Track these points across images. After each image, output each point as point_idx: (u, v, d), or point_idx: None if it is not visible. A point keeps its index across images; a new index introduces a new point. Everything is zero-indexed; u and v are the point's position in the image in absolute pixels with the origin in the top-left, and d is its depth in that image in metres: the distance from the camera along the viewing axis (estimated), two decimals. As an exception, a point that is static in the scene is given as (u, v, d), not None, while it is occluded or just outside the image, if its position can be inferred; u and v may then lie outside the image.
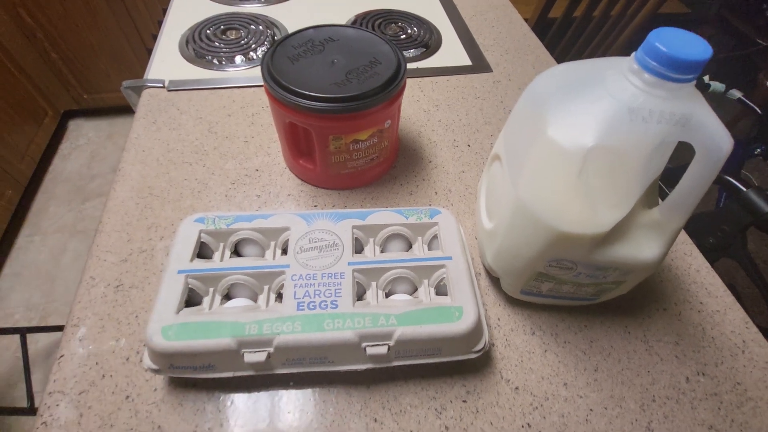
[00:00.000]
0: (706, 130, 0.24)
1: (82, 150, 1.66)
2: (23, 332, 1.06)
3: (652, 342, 0.38)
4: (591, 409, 0.34)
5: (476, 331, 0.31)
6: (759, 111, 0.81)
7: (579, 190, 0.26)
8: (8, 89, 1.33)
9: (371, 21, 0.68)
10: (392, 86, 0.39)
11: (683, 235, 0.46)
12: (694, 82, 0.24)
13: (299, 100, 0.37)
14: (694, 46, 0.23)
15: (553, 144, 0.26)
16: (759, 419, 0.34)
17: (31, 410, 0.91)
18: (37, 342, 1.19)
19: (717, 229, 0.57)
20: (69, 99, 1.58)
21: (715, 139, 0.24)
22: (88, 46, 1.41)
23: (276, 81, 0.38)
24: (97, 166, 1.61)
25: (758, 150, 0.85)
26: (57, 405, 0.32)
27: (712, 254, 0.59)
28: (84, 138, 1.70)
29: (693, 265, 0.43)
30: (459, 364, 0.34)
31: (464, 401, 0.33)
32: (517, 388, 0.34)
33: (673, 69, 0.23)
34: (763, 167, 1.80)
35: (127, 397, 0.32)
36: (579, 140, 0.25)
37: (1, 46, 1.28)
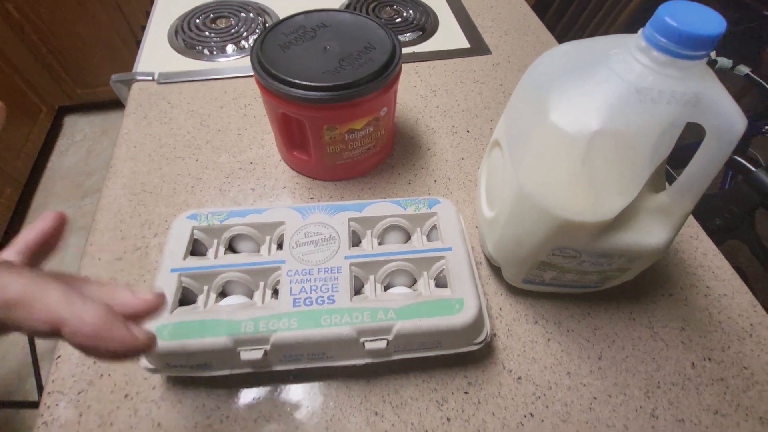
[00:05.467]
0: (718, 110, 0.23)
1: (78, 146, 1.65)
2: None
3: (657, 328, 0.37)
4: (595, 397, 0.33)
5: (477, 323, 0.31)
6: (767, 86, 0.79)
7: (583, 176, 0.25)
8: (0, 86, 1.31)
9: (365, 5, 0.66)
10: (387, 72, 0.38)
11: (689, 218, 0.45)
12: (707, 59, 0.22)
13: (290, 89, 0.36)
14: (707, 20, 0.21)
15: (555, 129, 0.25)
16: (765, 403, 0.34)
17: (41, 405, 0.92)
18: (43, 338, 1.20)
19: (724, 210, 0.56)
20: (62, 94, 1.56)
21: (727, 119, 0.23)
22: (78, 40, 1.38)
23: (266, 70, 0.37)
24: (94, 161, 1.60)
25: (766, 127, 0.83)
26: (56, 405, 0.32)
27: (718, 236, 0.58)
28: (80, 134, 1.68)
29: (699, 248, 0.42)
30: (460, 355, 0.34)
31: (466, 392, 0.33)
32: (519, 378, 0.34)
33: (684, 45, 0.21)
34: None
35: (126, 395, 0.32)
36: (583, 124, 0.23)
37: (-10, 42, 1.26)
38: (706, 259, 0.42)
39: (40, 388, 0.94)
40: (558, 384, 0.34)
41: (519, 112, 0.30)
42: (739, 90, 1.72)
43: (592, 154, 0.24)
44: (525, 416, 0.32)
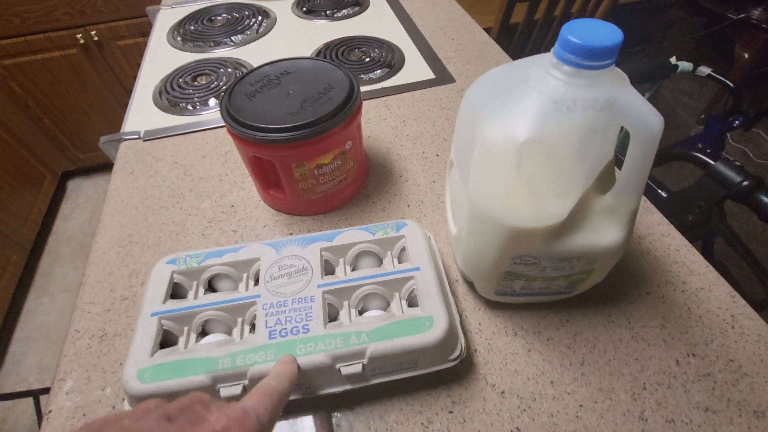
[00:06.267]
0: (632, 111, 0.24)
1: (82, 208, 1.70)
2: (36, 394, 1.07)
3: (637, 328, 0.37)
4: (581, 405, 0.33)
5: (449, 339, 0.31)
6: (730, 84, 0.82)
7: (521, 185, 0.26)
8: (6, 159, 1.38)
9: (334, 50, 0.71)
10: (346, 108, 0.40)
11: (660, 217, 0.46)
12: (613, 67, 0.25)
13: (257, 133, 0.38)
14: (605, 33, 0.23)
15: (489, 144, 0.27)
16: (757, 395, 0.33)
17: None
18: (50, 403, 1.19)
19: (694, 206, 0.57)
20: (65, 160, 1.63)
21: (642, 119, 0.24)
22: (78, 109, 1.47)
23: (234, 119, 0.39)
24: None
25: (737, 122, 0.85)
26: (46, 463, 0.32)
27: (693, 232, 0.59)
28: (83, 196, 1.74)
29: (672, 245, 0.43)
30: (442, 374, 0.34)
31: (450, 412, 0.33)
32: (503, 392, 0.34)
33: (587, 57, 0.23)
34: (756, 139, 1.79)
35: (113, 446, 0.32)
36: (511, 137, 0.25)
37: (-4, 119, 1.34)
38: (680, 255, 0.42)
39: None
40: (542, 395, 0.34)
41: (462, 134, 0.32)
42: (718, 92, 1.76)
43: (524, 163, 0.25)
44: (512, 431, 0.32)
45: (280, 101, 0.41)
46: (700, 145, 0.96)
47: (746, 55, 1.49)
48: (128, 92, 1.45)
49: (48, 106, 1.42)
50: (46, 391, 1.10)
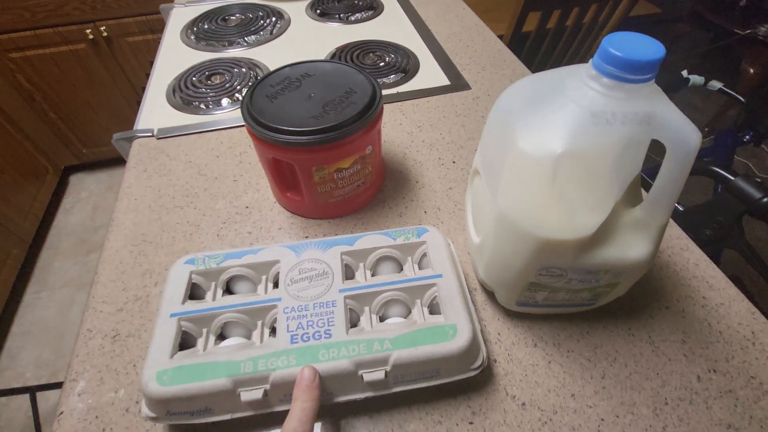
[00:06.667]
0: (671, 126, 0.24)
1: (84, 203, 1.69)
2: (33, 391, 1.05)
3: (657, 342, 0.37)
4: (602, 419, 0.32)
5: (473, 348, 0.31)
6: (742, 99, 0.82)
7: (555, 196, 0.26)
8: (10, 152, 1.37)
9: (349, 53, 0.71)
10: (369, 113, 0.40)
11: (678, 230, 0.46)
12: (653, 81, 0.24)
13: (279, 136, 0.38)
14: (647, 47, 0.23)
15: (524, 155, 0.26)
16: (779, 413, 0.33)
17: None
18: (48, 399, 1.18)
19: (712, 221, 0.57)
20: (69, 155, 1.62)
21: (681, 134, 0.24)
22: (85, 104, 1.46)
23: (255, 120, 0.39)
24: (100, 217, 1.64)
25: (747, 137, 0.86)
26: (57, 464, 0.31)
27: (710, 246, 0.59)
28: (86, 191, 1.73)
29: (691, 259, 0.43)
30: (462, 384, 0.34)
31: (471, 423, 0.32)
32: (523, 404, 0.33)
33: (628, 71, 0.23)
34: (760, 154, 1.80)
35: (127, 449, 0.32)
36: (548, 148, 0.25)
37: (1, 111, 1.33)
38: (699, 269, 0.42)
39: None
40: (563, 407, 0.33)
41: (491, 143, 0.32)
42: (723, 105, 1.77)
43: (559, 175, 0.25)
44: (532, 443, 0.32)
45: (302, 104, 0.41)
46: (706, 160, 0.96)
47: (752, 71, 1.51)
48: (135, 89, 1.45)
49: (54, 101, 1.42)
50: (43, 387, 1.09)
